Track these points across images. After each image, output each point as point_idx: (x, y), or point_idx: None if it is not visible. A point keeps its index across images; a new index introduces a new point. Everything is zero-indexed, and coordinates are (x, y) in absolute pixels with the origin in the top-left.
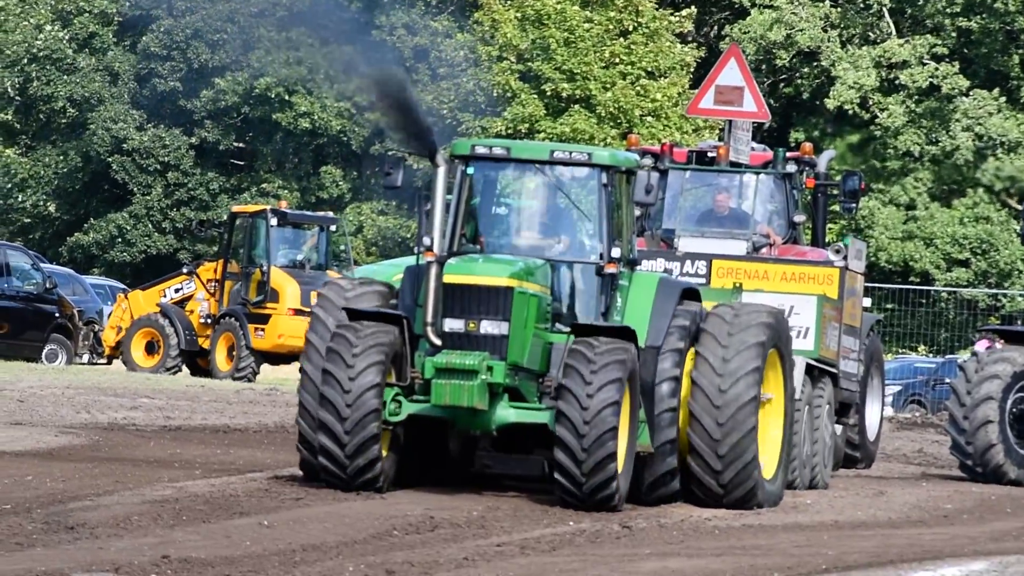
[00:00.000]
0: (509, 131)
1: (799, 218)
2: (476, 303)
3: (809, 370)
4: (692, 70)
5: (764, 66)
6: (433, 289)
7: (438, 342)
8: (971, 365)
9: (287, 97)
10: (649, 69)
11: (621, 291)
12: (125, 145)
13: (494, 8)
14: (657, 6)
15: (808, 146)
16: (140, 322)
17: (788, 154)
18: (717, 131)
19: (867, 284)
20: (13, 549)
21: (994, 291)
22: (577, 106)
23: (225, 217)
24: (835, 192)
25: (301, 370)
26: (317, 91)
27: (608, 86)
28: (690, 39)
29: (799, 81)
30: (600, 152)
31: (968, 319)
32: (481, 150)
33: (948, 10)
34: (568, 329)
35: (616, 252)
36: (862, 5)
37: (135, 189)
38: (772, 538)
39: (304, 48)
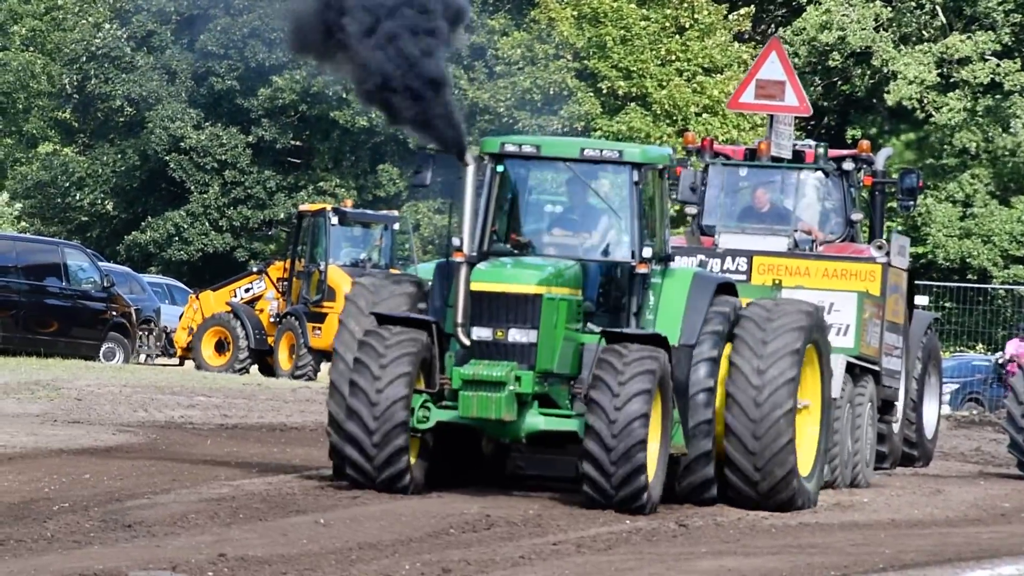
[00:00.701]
0: (565, 129)
1: (856, 216)
2: (504, 311)
3: (850, 368)
4: (746, 69)
5: (819, 67)
6: (463, 292)
7: (468, 343)
8: None
9: (344, 95)
10: (705, 66)
11: (654, 288)
12: (182, 143)
13: (551, 6)
14: (714, 2)
15: (865, 143)
16: (210, 321)
17: (845, 152)
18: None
19: (924, 282)
20: (71, 547)
21: None
22: (633, 104)
23: (283, 216)
24: (892, 190)
25: (330, 380)
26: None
27: (664, 83)
28: (747, 37)
29: (854, 81)
30: (631, 149)
31: None
32: (511, 148)
33: (1002, 7)
34: (599, 329)
35: (648, 251)
36: (915, 4)
37: (192, 187)
38: (829, 536)
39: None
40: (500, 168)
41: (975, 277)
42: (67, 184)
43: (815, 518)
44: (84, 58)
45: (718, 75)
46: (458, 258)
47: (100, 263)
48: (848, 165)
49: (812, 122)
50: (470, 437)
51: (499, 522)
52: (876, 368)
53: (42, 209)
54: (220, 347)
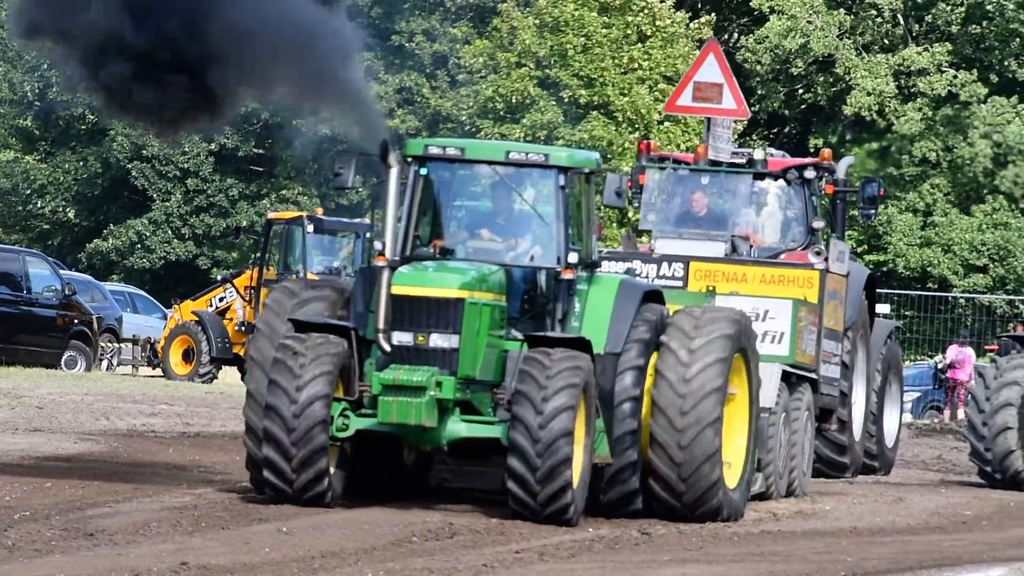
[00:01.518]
0: (528, 138)
1: (818, 224)
2: (426, 315)
3: (786, 377)
4: None
5: (782, 75)
6: (384, 297)
7: (388, 348)
8: (990, 371)
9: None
10: (667, 75)
11: (580, 295)
12: (144, 151)
13: (513, 15)
14: (674, 10)
15: (827, 152)
16: (177, 330)
17: (807, 160)
18: (736, 135)
19: (886, 291)
20: (32, 555)
21: (1012, 297)
22: (595, 112)
23: (245, 223)
24: (853, 198)
25: (247, 388)
26: None
27: (625, 91)
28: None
29: (816, 89)
30: (558, 152)
31: (987, 325)
32: (435, 150)
33: (956, 17)
34: (523, 337)
35: (573, 257)
36: (876, 13)
37: (154, 195)
38: (791, 544)
39: None
40: (424, 171)
41: (935, 286)
42: (28, 192)
43: (777, 526)
44: (45, 65)
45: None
46: (380, 262)
47: (61, 271)
48: (810, 173)
49: (774, 130)
50: (391, 446)
51: (462, 530)
52: (813, 376)
53: (3, 217)
54: (187, 356)
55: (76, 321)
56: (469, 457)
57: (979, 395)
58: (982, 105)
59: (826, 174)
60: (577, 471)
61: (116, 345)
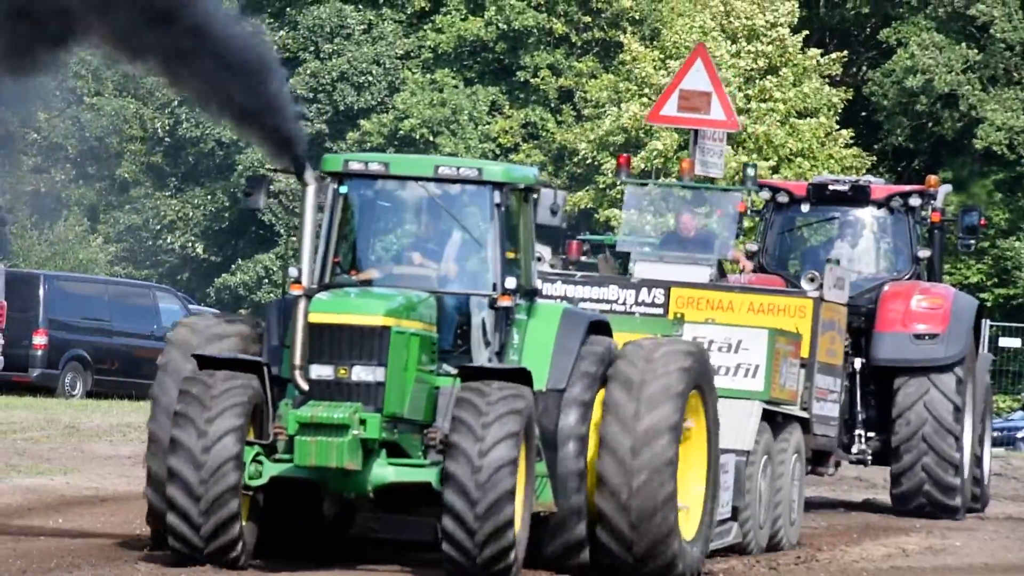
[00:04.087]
0: (645, 167)
1: (923, 253)
2: (347, 346)
3: (770, 416)
4: (839, 111)
5: (908, 109)
6: (300, 328)
7: (306, 386)
8: None
9: (431, 138)
10: (798, 109)
11: (519, 325)
12: (272, 186)
13: (634, 48)
14: (804, 47)
15: (934, 179)
16: None
17: (912, 187)
18: (864, 171)
19: (1015, 324)
20: None
21: None
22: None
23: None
24: (952, 228)
25: (148, 431)
26: (460, 132)
27: (757, 120)
28: (838, 80)
29: (943, 123)
30: (492, 167)
31: None
32: (356, 166)
33: None
34: (456, 371)
35: (511, 282)
36: (1005, 46)
37: (281, 230)
38: None
39: (448, 90)
40: (344, 189)
41: None
42: (158, 227)
43: (907, 562)
44: (176, 103)
45: (811, 119)
46: (295, 291)
47: (191, 306)
48: (915, 201)
49: (902, 164)
50: (309, 496)
51: None
52: (804, 415)
53: (134, 253)
54: None
55: None
56: (395, 506)
57: None
58: None
59: (930, 202)
60: (518, 524)
61: None
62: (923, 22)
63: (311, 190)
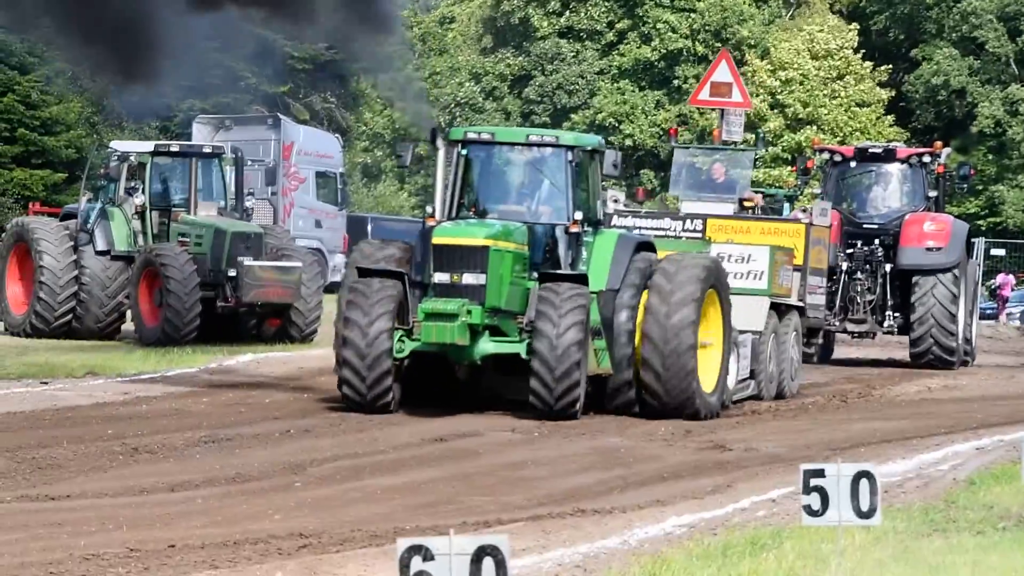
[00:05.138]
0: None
1: (932, 193)
2: (459, 259)
3: (776, 307)
4: (885, 104)
5: (931, 100)
6: (431, 248)
7: (433, 284)
8: None
9: (617, 125)
10: (857, 101)
11: (587, 246)
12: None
13: (753, 62)
14: (862, 60)
15: (939, 144)
16: None
17: (923, 149)
18: (852, 132)
19: (999, 240)
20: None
21: None
22: (811, 125)
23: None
24: (951, 177)
25: (335, 326)
26: (636, 121)
27: (830, 110)
28: (886, 82)
29: (955, 111)
30: (567, 135)
31: None
32: (472, 135)
33: None
34: (537, 275)
35: (579, 215)
36: (995, 57)
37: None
38: (940, 407)
39: (627, 93)
40: (464, 151)
41: None
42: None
43: (931, 395)
44: (452, 104)
45: (867, 107)
46: (430, 223)
47: None
48: (926, 159)
49: (927, 137)
50: (446, 364)
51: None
52: (801, 304)
53: (424, 201)
54: None
55: None
56: (506, 372)
57: None
58: None
59: (936, 159)
60: (582, 385)
61: None
62: (941, 43)
63: (441, 152)
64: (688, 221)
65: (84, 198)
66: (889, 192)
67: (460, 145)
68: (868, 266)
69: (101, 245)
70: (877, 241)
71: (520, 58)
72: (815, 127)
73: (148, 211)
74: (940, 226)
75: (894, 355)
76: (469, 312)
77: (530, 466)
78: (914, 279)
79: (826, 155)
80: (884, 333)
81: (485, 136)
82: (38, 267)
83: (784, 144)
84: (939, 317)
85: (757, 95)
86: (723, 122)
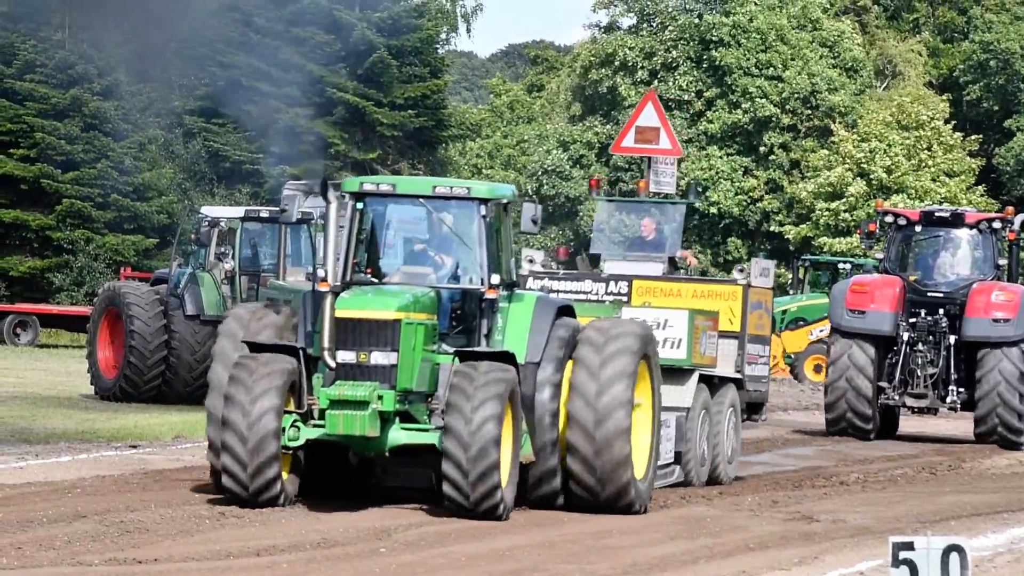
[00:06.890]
0: (846, 209)
1: (1002, 262)
2: (366, 335)
3: (708, 379)
4: (975, 173)
5: (1021, 173)
6: (328, 319)
7: (334, 365)
8: None
9: (702, 191)
10: (945, 171)
11: (502, 311)
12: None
13: (840, 132)
14: (952, 130)
15: (1011, 209)
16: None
17: (994, 215)
18: (941, 200)
19: None
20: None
21: None
22: (896, 195)
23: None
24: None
25: (207, 408)
26: (722, 187)
27: (917, 177)
28: (975, 153)
29: None
30: (479, 186)
31: None
32: (369, 187)
33: None
34: (452, 350)
35: (495, 279)
36: None
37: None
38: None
39: (714, 158)
40: (360, 205)
41: None
42: None
43: (1012, 469)
44: (540, 172)
45: (955, 178)
46: (323, 288)
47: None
48: (997, 225)
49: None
50: (338, 452)
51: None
52: (738, 376)
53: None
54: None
55: None
56: (406, 459)
57: None
58: None
59: (1008, 225)
60: (506, 472)
61: None
62: None
63: (333, 207)
64: (612, 283)
65: (175, 263)
66: (957, 259)
67: (356, 198)
68: (931, 337)
69: (191, 310)
70: (942, 311)
71: (608, 126)
72: (903, 195)
73: (237, 276)
74: (1009, 296)
75: (961, 431)
76: (380, 398)
77: (616, 534)
78: (979, 352)
79: (890, 218)
80: (948, 409)
81: (384, 187)
82: (129, 331)
83: (868, 209)
84: (1005, 394)
85: (844, 163)
86: (651, 171)
